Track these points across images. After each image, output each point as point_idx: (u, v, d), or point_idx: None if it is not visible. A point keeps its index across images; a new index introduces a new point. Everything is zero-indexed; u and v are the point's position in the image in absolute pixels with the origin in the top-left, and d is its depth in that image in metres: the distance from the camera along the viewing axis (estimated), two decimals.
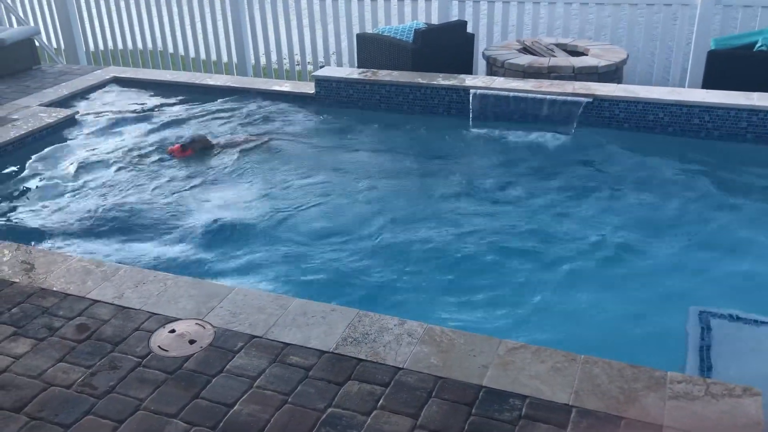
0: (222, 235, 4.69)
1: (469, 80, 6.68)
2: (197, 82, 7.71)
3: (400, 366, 2.82)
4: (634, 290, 3.96)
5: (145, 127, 6.78)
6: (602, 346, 3.34)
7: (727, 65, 6.37)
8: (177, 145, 5.99)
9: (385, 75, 6.91)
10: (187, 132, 6.47)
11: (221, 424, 2.55)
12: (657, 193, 5.18)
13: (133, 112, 7.20)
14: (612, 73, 6.84)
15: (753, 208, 4.93)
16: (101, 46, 9.90)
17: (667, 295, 3.87)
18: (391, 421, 2.54)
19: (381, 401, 2.64)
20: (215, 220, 4.86)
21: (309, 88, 7.23)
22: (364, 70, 7.17)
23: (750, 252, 4.34)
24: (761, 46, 6.23)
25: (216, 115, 7.03)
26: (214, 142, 6.23)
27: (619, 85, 6.68)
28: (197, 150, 6.02)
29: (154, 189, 5.46)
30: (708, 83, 6.47)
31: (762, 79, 6.15)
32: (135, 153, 6.15)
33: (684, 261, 4.25)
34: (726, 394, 2.60)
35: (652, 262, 4.26)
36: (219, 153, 6.07)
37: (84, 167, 5.89)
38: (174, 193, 5.37)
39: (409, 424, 2.53)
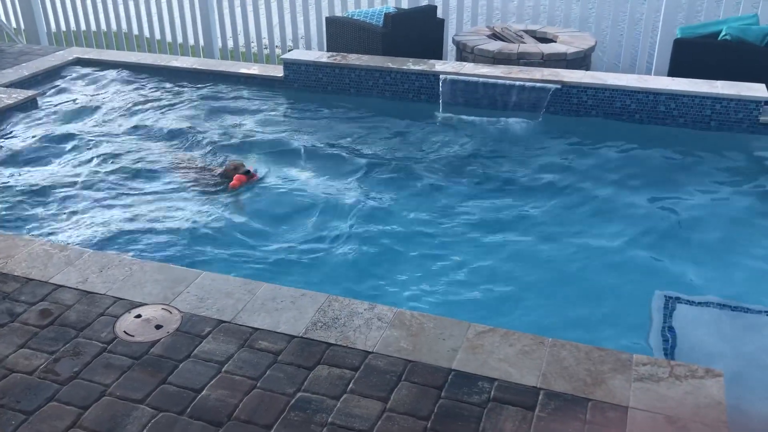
0: (190, 221, 4.63)
1: (439, 65, 6.67)
2: (163, 64, 7.57)
3: (370, 350, 2.82)
4: (601, 275, 4.01)
5: (109, 108, 6.64)
6: (570, 330, 3.39)
7: (693, 53, 6.46)
8: (237, 175, 5.07)
9: (354, 59, 6.86)
10: (212, 153, 5.73)
11: (189, 410, 2.52)
12: (623, 179, 5.24)
13: (97, 93, 7.04)
14: (580, 60, 6.89)
15: (717, 194, 5.02)
16: (63, 27, 9.66)
17: (633, 280, 3.93)
18: (361, 404, 2.54)
19: (351, 385, 2.63)
20: (172, 207, 4.81)
21: (278, 71, 7.14)
22: (334, 53, 7.11)
23: (714, 237, 4.42)
24: (725, 35, 6.32)
25: (182, 99, 6.91)
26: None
27: (588, 72, 6.74)
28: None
29: (116, 171, 5.36)
30: (674, 71, 6.55)
31: (726, 68, 6.25)
32: (98, 134, 6.02)
33: (650, 246, 4.31)
34: (689, 375, 2.65)
35: (618, 247, 4.31)
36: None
37: (45, 149, 5.75)
38: (138, 176, 5.28)
39: (378, 407, 2.53)
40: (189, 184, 5.16)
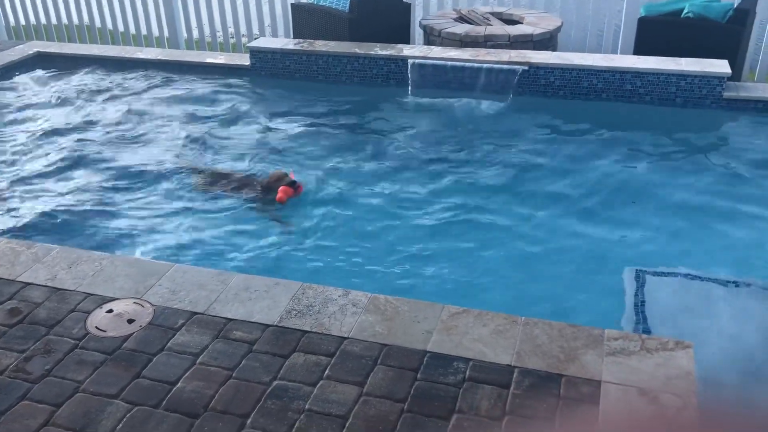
0: (158, 216, 4.58)
1: (406, 50, 6.65)
2: (127, 56, 7.45)
3: (346, 336, 2.82)
4: (571, 253, 4.05)
5: (71, 102, 6.53)
6: (543, 308, 3.43)
7: (657, 31, 6.52)
8: (282, 187, 4.63)
9: (321, 45, 6.82)
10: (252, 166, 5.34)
11: (164, 402, 2.50)
12: (590, 157, 5.29)
13: (59, 88, 6.91)
14: (547, 41, 6.92)
15: (682, 169, 5.09)
16: (23, 21, 9.44)
17: (603, 257, 3.98)
18: (337, 390, 2.55)
19: (327, 371, 2.64)
20: (146, 201, 4.75)
21: (244, 60, 7.07)
22: (300, 40, 7.06)
23: (682, 211, 4.49)
24: (688, 12, 6.39)
25: (148, 91, 6.82)
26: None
27: (554, 52, 6.77)
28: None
29: (78, 165, 5.28)
30: (639, 49, 6.61)
31: (689, 45, 6.32)
32: (61, 129, 5.92)
33: (619, 222, 4.37)
34: (660, 348, 2.70)
35: (587, 225, 4.36)
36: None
37: (4, 144, 5.64)
38: (103, 169, 5.20)
39: (355, 392, 2.53)
40: (231, 198, 4.74)
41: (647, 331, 3.24)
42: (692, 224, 4.33)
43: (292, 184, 4.62)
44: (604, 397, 2.46)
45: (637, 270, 3.69)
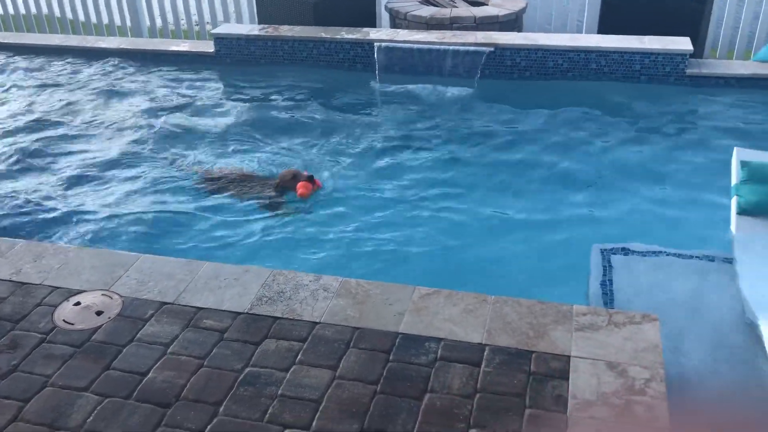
0: (122, 204, 4.53)
1: (373, 33, 6.62)
2: (89, 45, 7.31)
3: (317, 320, 2.82)
4: (540, 232, 4.09)
5: (31, 94, 6.39)
6: (512, 287, 3.46)
7: (620, 9, 6.58)
8: (301, 183, 4.55)
9: (286, 30, 6.76)
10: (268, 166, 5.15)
11: (135, 393, 2.48)
12: (557, 136, 5.34)
13: (18, 80, 6.76)
14: (512, 22, 6.94)
15: (647, 147, 5.16)
16: None
17: (571, 234, 4.02)
18: (310, 374, 2.55)
19: (299, 356, 2.63)
20: (109, 190, 4.68)
21: (208, 47, 6.99)
22: (265, 26, 6.99)
23: (647, 187, 4.56)
24: None
25: (111, 81, 6.70)
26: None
27: (520, 33, 6.80)
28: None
29: (40, 158, 5.19)
30: (603, 28, 6.66)
31: (652, 23, 6.39)
32: (21, 121, 5.80)
33: (586, 200, 4.42)
34: (627, 322, 2.74)
35: (556, 203, 4.41)
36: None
37: None
38: (66, 162, 5.11)
39: (328, 375, 2.54)
40: (250, 199, 4.59)
41: (614, 306, 3.29)
42: (657, 200, 4.39)
43: (310, 179, 4.54)
44: (574, 371, 2.50)
45: (602, 247, 3.74)
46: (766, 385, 2.76)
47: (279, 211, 4.44)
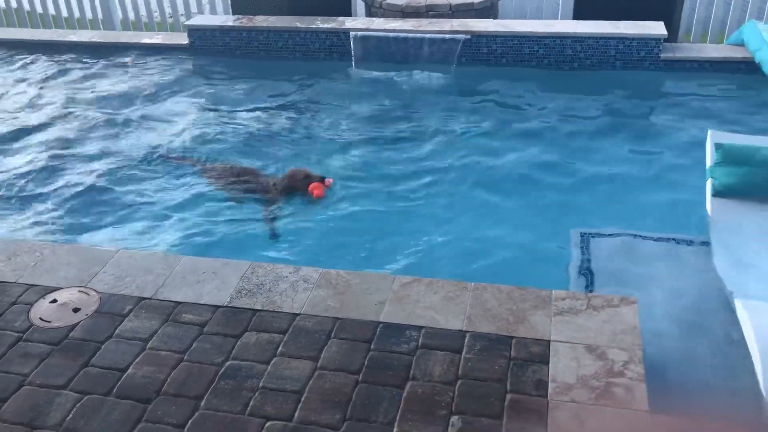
0: (97, 200, 4.48)
1: (348, 22, 6.59)
2: (60, 39, 7.20)
3: (298, 312, 2.81)
4: (517, 218, 4.11)
5: (1, 89, 6.29)
6: (492, 273, 3.47)
7: None
8: (314, 184, 4.38)
9: (261, 21, 6.70)
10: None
11: (115, 390, 2.46)
12: (535, 123, 5.36)
13: None
14: (488, 9, 6.94)
15: (623, 131, 5.19)
16: None
17: (549, 220, 4.04)
18: (291, 366, 2.54)
19: (280, 348, 2.63)
20: (87, 185, 4.62)
21: (182, 38, 6.90)
22: (240, 16, 6.92)
23: (624, 171, 4.59)
24: None
25: (83, 75, 6.60)
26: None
27: (495, 20, 6.79)
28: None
29: (9, 154, 5.11)
30: (578, 13, 6.68)
31: (627, 8, 6.42)
32: None
33: (564, 185, 4.44)
34: (606, 305, 2.76)
35: (534, 189, 4.43)
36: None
37: None
38: (37, 157, 5.04)
39: (309, 366, 2.53)
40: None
41: (593, 290, 3.32)
42: (633, 184, 4.42)
43: (322, 180, 4.38)
44: (554, 355, 2.52)
45: (581, 231, 3.77)
46: (742, 366, 2.79)
47: (286, 215, 4.22)
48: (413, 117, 5.55)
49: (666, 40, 6.06)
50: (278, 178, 4.55)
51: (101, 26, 8.42)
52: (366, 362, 2.54)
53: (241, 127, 5.49)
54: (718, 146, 3.96)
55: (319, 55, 6.61)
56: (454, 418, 2.28)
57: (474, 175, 4.64)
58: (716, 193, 3.85)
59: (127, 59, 6.46)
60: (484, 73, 6.24)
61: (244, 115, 5.70)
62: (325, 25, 6.51)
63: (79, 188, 4.61)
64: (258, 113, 5.72)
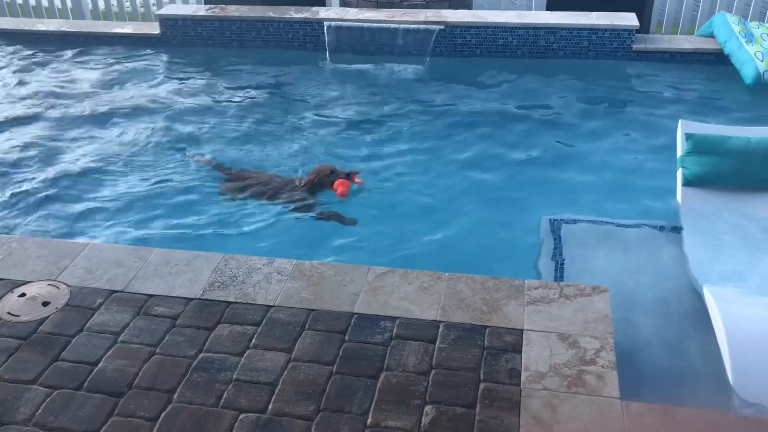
0: (66, 193, 4.41)
1: (322, 12, 6.55)
2: (26, 28, 7.05)
3: (271, 304, 2.80)
4: (489, 208, 4.13)
5: None
6: (466, 263, 3.49)
7: None
8: (338, 181, 4.22)
9: (234, 10, 6.63)
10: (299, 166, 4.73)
11: (86, 384, 2.43)
12: (508, 113, 5.38)
13: None
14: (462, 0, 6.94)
15: (594, 121, 5.24)
16: None
17: (523, 208, 4.06)
18: (265, 357, 2.53)
19: (254, 340, 2.61)
20: (56, 179, 4.55)
21: (154, 28, 6.81)
22: (212, 5, 6.84)
23: (595, 160, 4.63)
24: None
25: (50, 66, 6.48)
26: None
27: (469, 11, 6.80)
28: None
29: None
30: (552, 5, 6.71)
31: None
32: None
33: (535, 174, 4.47)
34: (578, 294, 2.79)
35: (505, 178, 4.45)
36: None
37: None
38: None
39: (283, 358, 2.52)
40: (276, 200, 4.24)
41: (565, 277, 3.35)
42: (605, 172, 4.47)
43: (348, 176, 4.21)
44: (527, 344, 2.53)
45: (552, 219, 3.79)
46: (710, 353, 2.84)
47: (311, 213, 4.08)
48: (387, 107, 5.54)
49: (638, 31, 6.11)
50: (304, 176, 4.38)
51: (70, 15, 8.27)
52: (340, 353, 2.54)
53: (212, 118, 5.43)
54: (688, 136, 4.00)
55: (292, 45, 6.57)
56: (427, 408, 2.29)
57: (447, 164, 4.65)
58: (686, 182, 3.90)
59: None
60: (459, 64, 6.24)
61: (216, 106, 5.64)
62: (299, 15, 6.46)
63: (48, 181, 4.53)
64: (230, 104, 5.66)
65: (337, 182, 4.20)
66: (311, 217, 4.07)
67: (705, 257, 3.45)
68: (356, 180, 4.24)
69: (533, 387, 2.35)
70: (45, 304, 2.82)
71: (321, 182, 4.24)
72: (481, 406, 2.29)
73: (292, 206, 4.16)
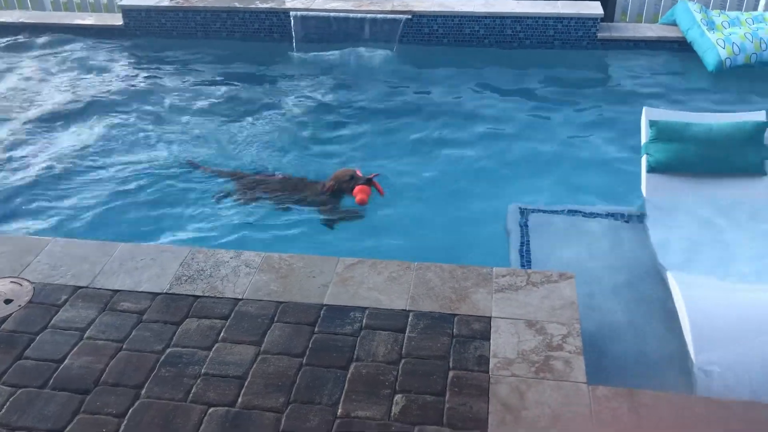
0: (28, 189, 4.32)
1: (288, 2, 6.49)
2: None
3: (240, 297, 2.78)
4: (459, 194, 4.15)
5: None
6: (435, 252, 3.50)
7: None
8: (358, 188, 3.99)
9: (198, 1, 6.54)
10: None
11: (51, 382, 2.39)
12: (475, 102, 5.41)
13: None
14: None
15: (561, 110, 5.29)
16: None
17: (488, 197, 4.09)
18: (234, 351, 2.51)
19: (222, 334, 2.59)
20: (17, 175, 4.46)
21: (116, 20, 6.69)
22: None
23: (560, 148, 4.67)
24: None
25: (9, 58, 6.34)
26: None
27: (436, 0, 6.78)
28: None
29: None
30: None
31: None
32: None
33: (502, 162, 4.50)
34: (545, 281, 2.82)
35: (473, 166, 4.48)
36: None
37: None
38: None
39: (252, 351, 2.51)
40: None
41: (532, 264, 3.38)
42: (571, 160, 4.51)
43: (368, 182, 4.00)
44: (495, 331, 2.56)
45: (519, 207, 3.82)
46: (675, 338, 2.89)
47: (333, 217, 3.98)
48: (354, 96, 5.52)
49: (603, 20, 6.17)
50: (322, 182, 4.20)
51: (29, 6, 8.07)
52: (310, 345, 2.54)
53: (177, 112, 5.36)
54: (652, 123, 4.05)
55: (258, 36, 6.50)
56: (397, 397, 2.30)
57: (414, 153, 4.66)
58: (651, 169, 3.95)
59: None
60: (426, 54, 6.24)
61: (182, 100, 5.56)
62: (264, 5, 6.40)
63: (6, 177, 4.43)
64: (196, 97, 5.59)
65: (357, 188, 4.00)
66: (321, 221, 3.99)
67: (669, 243, 3.50)
68: (379, 189, 4.05)
69: (501, 374, 2.38)
70: (7, 301, 2.77)
71: (340, 188, 4.08)
72: (451, 394, 2.31)
73: (308, 208, 4.04)
